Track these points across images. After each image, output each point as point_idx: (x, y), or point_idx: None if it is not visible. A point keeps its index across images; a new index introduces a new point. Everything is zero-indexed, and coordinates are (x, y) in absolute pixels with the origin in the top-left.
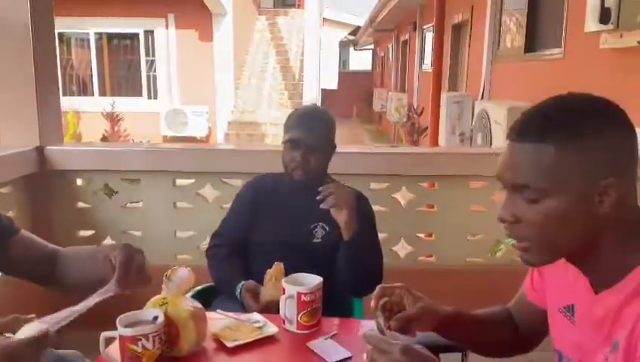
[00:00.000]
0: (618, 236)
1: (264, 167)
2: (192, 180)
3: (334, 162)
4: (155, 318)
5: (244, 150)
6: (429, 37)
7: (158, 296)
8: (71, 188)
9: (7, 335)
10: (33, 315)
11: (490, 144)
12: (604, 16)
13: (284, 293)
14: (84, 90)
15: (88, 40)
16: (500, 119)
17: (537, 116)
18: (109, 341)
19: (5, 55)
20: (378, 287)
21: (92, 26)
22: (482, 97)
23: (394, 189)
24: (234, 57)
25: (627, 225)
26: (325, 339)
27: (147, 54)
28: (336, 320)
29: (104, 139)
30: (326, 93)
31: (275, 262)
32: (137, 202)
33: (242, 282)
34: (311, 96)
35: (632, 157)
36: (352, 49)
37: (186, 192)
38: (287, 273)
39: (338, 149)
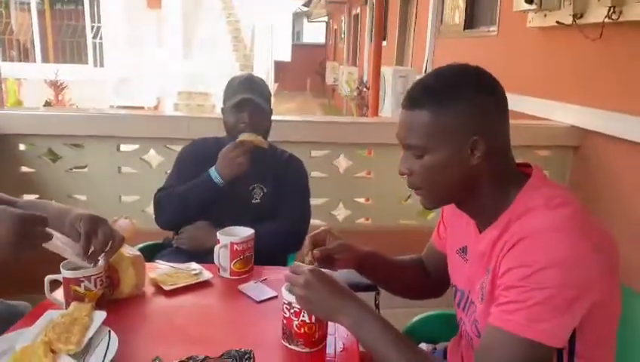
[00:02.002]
0: (492, 182)
1: (205, 133)
2: (137, 146)
3: (278, 130)
4: (96, 262)
5: (188, 116)
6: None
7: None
8: (14, 153)
9: None
10: None
11: None
12: None
13: (218, 243)
14: (26, 56)
15: (29, 3)
16: None
17: (418, 87)
18: (53, 284)
19: None
20: (307, 237)
21: None
22: (425, 72)
23: (333, 156)
24: (183, 25)
25: (499, 173)
26: (255, 283)
27: (92, 20)
28: (267, 268)
29: (47, 106)
30: (279, 65)
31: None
32: (82, 167)
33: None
34: (262, 68)
35: (496, 116)
36: (305, 20)
37: (131, 158)
38: None
39: (283, 118)
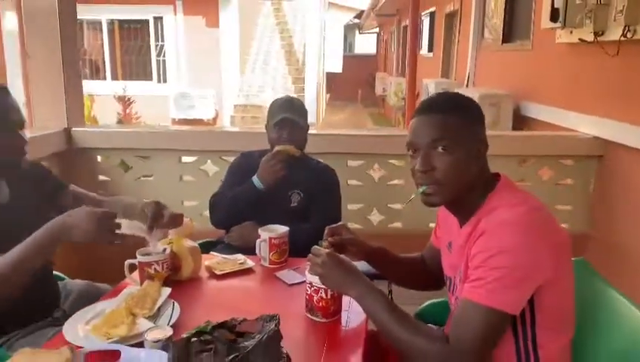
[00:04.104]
0: (477, 184)
1: (254, 146)
2: (196, 157)
3: (319, 142)
4: (164, 251)
5: (239, 132)
6: (427, 23)
7: (166, 238)
8: (93, 164)
9: None
10: None
11: None
12: (554, 15)
13: (259, 238)
14: (97, 74)
15: (101, 26)
16: None
17: (440, 99)
18: (130, 268)
19: (37, 43)
20: (327, 228)
21: (104, 13)
22: (467, 85)
23: (368, 166)
24: (240, 42)
25: (483, 176)
26: (289, 271)
27: (157, 39)
28: (300, 260)
29: (120, 121)
30: (331, 77)
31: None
32: (149, 176)
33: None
34: (314, 80)
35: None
36: (357, 32)
37: (190, 168)
38: None
39: (322, 131)
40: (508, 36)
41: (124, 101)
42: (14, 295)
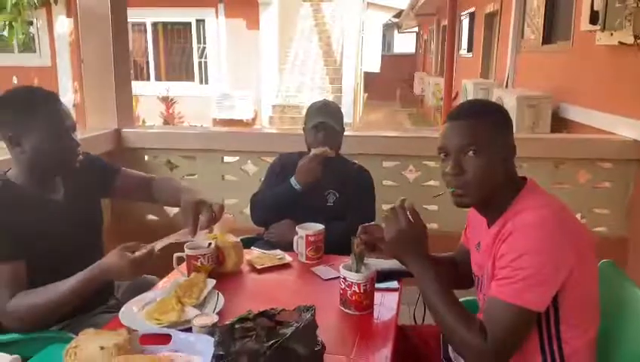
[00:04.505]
0: (504, 186)
1: (292, 148)
2: (237, 158)
3: (354, 143)
4: (209, 245)
5: (278, 133)
6: (466, 23)
7: (211, 233)
8: (141, 163)
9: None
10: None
11: None
12: (594, 18)
13: (297, 235)
14: (141, 75)
15: (145, 28)
16: (509, 106)
17: (471, 106)
18: (179, 260)
19: (91, 47)
20: (360, 226)
21: (149, 16)
22: (507, 85)
23: (403, 167)
24: (278, 44)
25: (509, 179)
26: (324, 266)
27: (199, 42)
28: (335, 257)
29: (165, 122)
30: (369, 77)
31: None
32: (193, 175)
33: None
34: (351, 80)
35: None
36: (396, 32)
37: (232, 168)
38: None
39: (357, 133)
40: (548, 37)
41: (167, 101)
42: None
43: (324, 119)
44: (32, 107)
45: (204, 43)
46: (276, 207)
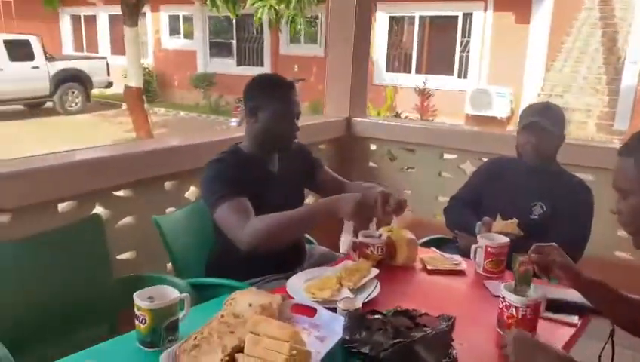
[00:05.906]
0: None
1: (514, 151)
2: (455, 156)
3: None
4: (380, 236)
5: (498, 134)
6: None
7: (388, 226)
8: (366, 151)
9: None
10: None
11: None
12: None
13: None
14: (405, 67)
15: (413, 21)
16: None
17: (630, 139)
18: (354, 245)
19: (336, 42)
20: (535, 245)
21: (418, 10)
22: None
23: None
24: (549, 39)
25: None
26: (500, 282)
27: (463, 35)
28: None
29: (421, 114)
30: None
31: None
32: (412, 168)
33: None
34: (634, 80)
35: None
36: None
37: (450, 165)
38: None
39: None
40: None
41: (423, 94)
42: (281, 246)
43: (539, 119)
44: (274, 89)
45: (469, 37)
46: (463, 223)
